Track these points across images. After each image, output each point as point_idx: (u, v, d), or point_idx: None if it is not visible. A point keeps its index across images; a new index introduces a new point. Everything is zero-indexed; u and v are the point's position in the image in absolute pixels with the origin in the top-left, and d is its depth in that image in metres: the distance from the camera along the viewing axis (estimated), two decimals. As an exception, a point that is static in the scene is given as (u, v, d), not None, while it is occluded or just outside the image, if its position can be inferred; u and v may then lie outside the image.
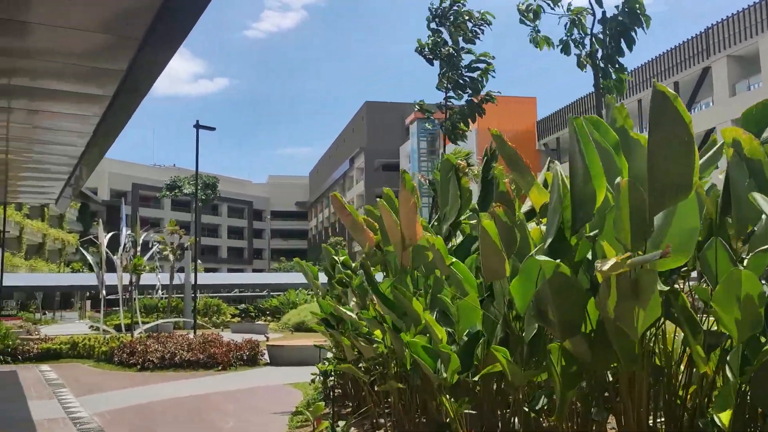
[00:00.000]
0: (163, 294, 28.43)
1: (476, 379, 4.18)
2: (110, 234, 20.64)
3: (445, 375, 4.12)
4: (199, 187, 59.88)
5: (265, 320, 28.33)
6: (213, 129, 17.07)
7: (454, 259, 4.32)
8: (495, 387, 4.45)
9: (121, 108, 8.19)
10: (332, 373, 8.13)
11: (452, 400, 4.23)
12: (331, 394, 8.21)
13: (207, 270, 63.67)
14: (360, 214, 6.71)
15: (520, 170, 4.16)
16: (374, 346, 5.31)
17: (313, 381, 8.57)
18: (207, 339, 12.94)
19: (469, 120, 17.15)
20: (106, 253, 19.75)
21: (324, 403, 6.07)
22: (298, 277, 43.20)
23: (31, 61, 7.11)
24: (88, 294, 62.87)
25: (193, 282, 21.35)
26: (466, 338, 4.33)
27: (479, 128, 66.95)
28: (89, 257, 19.92)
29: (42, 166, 13.44)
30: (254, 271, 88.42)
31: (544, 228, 4.36)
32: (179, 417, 7.52)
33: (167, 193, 61.42)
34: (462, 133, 15.25)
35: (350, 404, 7.60)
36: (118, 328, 22.32)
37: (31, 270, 49.47)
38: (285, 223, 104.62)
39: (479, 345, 4.16)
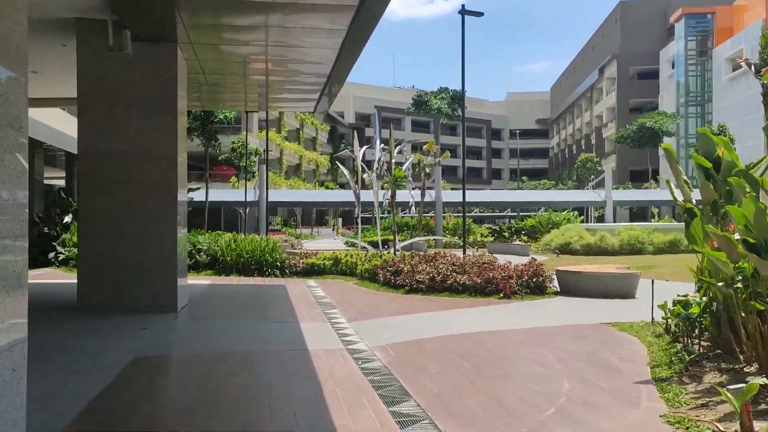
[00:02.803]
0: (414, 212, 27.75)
1: None
2: (365, 148, 19.83)
3: None
4: (445, 102, 58.80)
5: (520, 241, 26.20)
6: (480, 14, 14.68)
7: None
8: None
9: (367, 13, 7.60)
10: (703, 317, 5.55)
11: None
12: (696, 347, 5.63)
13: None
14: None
15: None
16: None
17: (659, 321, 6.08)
18: (480, 260, 11.05)
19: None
20: (362, 167, 18.98)
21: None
22: (556, 196, 40.37)
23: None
24: (340, 211, 67.00)
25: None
26: None
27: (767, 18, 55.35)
28: (345, 171, 19.35)
29: (297, 82, 12.91)
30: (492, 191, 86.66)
31: None
32: (484, 366, 5.60)
33: (413, 109, 61.27)
34: None
35: (734, 367, 4.99)
36: (373, 244, 21.95)
37: (290, 188, 53.28)
38: (524, 142, 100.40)
39: None
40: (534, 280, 9.98)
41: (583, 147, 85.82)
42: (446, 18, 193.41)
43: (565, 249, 21.51)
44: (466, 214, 49.65)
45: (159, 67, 8.83)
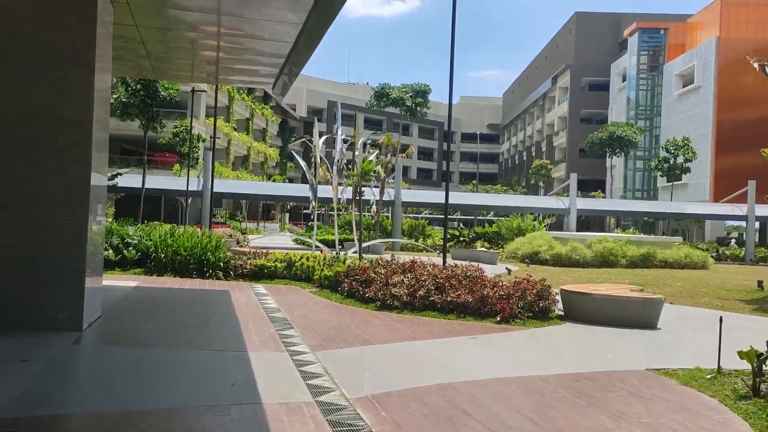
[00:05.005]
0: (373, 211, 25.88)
1: None
2: (324, 137, 17.81)
3: None
4: (409, 94, 57.11)
5: (482, 247, 24.67)
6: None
7: None
8: None
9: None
10: None
11: None
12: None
13: (400, 190, 61.55)
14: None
15: None
16: None
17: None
18: (467, 273, 9.25)
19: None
20: (320, 158, 16.97)
21: None
22: (518, 201, 39.12)
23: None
24: (287, 207, 64.49)
25: (444, 201, 18.00)
26: None
27: (721, 37, 56.00)
28: (302, 163, 17.28)
29: (253, 51, 11.02)
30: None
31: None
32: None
33: (374, 102, 59.16)
34: None
35: None
36: (325, 243, 20.02)
37: (237, 180, 50.58)
38: (475, 146, 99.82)
39: None
40: (539, 302, 8.22)
41: (534, 154, 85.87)
42: (403, 20, 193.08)
43: (534, 258, 20.05)
44: (414, 216, 47.70)
45: (72, 2, 6.64)
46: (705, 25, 58.15)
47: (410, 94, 58.01)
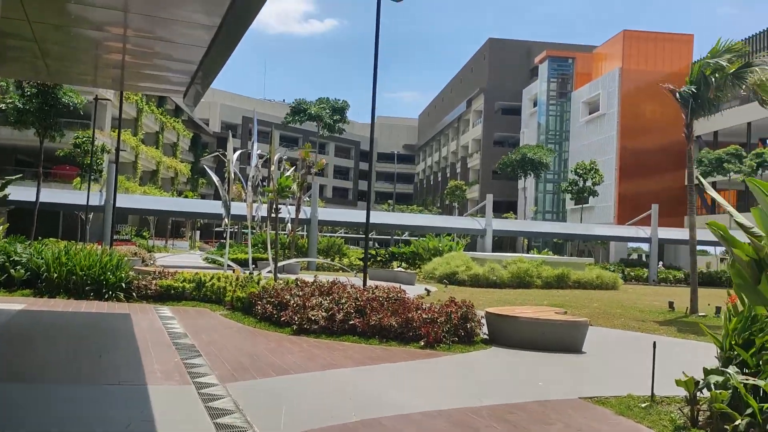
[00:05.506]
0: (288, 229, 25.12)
1: None
2: (239, 152, 17.11)
3: None
4: (327, 111, 56.41)
5: (400, 267, 24.44)
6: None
7: None
8: None
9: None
10: None
11: None
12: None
13: (316, 208, 60.75)
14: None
15: None
16: None
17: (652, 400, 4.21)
18: (389, 294, 8.85)
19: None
20: (234, 174, 16.23)
21: None
22: (436, 221, 39.35)
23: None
24: (198, 224, 62.28)
25: (366, 220, 17.53)
26: None
27: (623, 68, 59.27)
28: (215, 178, 16.44)
29: (163, 62, 10.29)
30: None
31: None
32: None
33: (291, 118, 58.02)
34: None
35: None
36: (238, 263, 19.21)
37: (144, 195, 48.29)
38: (391, 166, 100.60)
39: None
40: (465, 325, 7.91)
41: (449, 175, 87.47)
42: (319, 39, 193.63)
43: (452, 279, 19.97)
44: (330, 234, 47.19)
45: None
46: (609, 56, 61.43)
47: (328, 110, 57.46)
